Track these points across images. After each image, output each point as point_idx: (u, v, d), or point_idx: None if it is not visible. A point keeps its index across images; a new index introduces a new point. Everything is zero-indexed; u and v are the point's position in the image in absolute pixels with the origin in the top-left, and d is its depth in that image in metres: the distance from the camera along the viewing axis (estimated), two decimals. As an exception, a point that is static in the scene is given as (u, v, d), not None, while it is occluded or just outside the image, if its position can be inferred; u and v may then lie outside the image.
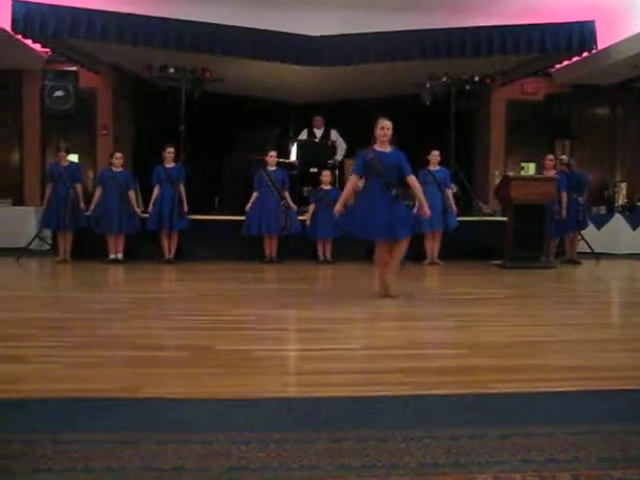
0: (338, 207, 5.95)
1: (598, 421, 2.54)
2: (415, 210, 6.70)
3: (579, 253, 9.98)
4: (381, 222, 5.77)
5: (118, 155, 9.23)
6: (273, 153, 9.52)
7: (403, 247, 5.96)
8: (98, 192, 9.12)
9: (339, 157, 11.38)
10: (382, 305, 5.63)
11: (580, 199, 9.80)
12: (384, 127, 5.86)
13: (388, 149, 5.93)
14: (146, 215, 9.13)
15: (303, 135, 11.74)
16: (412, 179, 5.98)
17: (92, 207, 9.01)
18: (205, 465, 2.08)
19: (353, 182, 6.07)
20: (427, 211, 6.02)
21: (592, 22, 9.84)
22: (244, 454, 2.17)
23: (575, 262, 9.66)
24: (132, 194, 9.15)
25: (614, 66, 10.67)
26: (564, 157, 10.12)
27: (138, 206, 9.27)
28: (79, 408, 2.65)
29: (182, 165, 9.64)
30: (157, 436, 2.32)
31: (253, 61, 10.08)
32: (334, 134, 11.63)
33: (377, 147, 5.92)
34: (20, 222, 10.49)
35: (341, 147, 11.56)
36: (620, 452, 2.22)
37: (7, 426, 2.45)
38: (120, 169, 9.18)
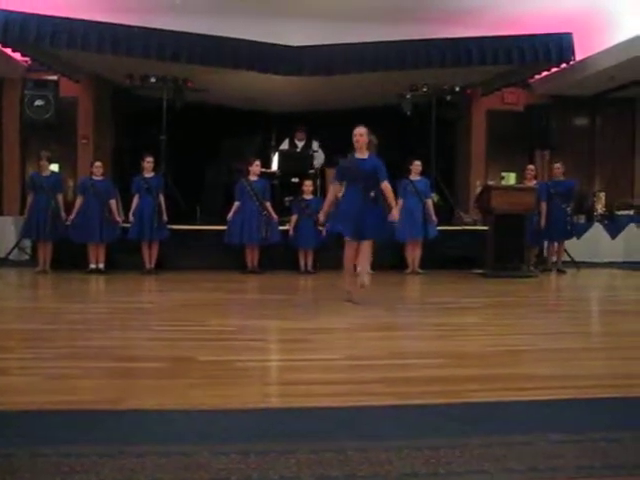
0: (321, 215, 6.24)
1: (577, 429, 2.55)
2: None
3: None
4: (355, 222, 5.95)
5: (98, 164, 9.18)
6: (258, 162, 9.52)
7: (368, 249, 6.12)
8: (79, 201, 9.05)
9: (316, 164, 11.41)
10: (363, 315, 5.64)
11: (568, 209, 9.84)
12: (356, 134, 6.11)
13: (365, 155, 6.13)
14: (127, 225, 9.09)
15: (284, 145, 11.77)
16: (385, 185, 6.15)
17: (72, 216, 8.94)
18: (185, 477, 2.07)
19: (334, 190, 6.29)
20: (395, 215, 6.21)
21: (570, 34, 9.99)
22: (224, 465, 2.16)
23: (560, 271, 9.72)
24: (113, 203, 9.09)
25: (591, 77, 10.80)
26: (558, 165, 10.13)
27: (119, 215, 9.22)
28: (58, 421, 2.62)
29: (161, 175, 9.62)
30: (137, 448, 2.30)
31: (234, 71, 10.10)
32: (316, 145, 11.67)
33: (356, 154, 6.15)
34: (-1, 232, 10.39)
35: (319, 156, 11.61)
36: (599, 460, 2.24)
37: (-16, 439, 2.42)
38: (100, 178, 9.12)
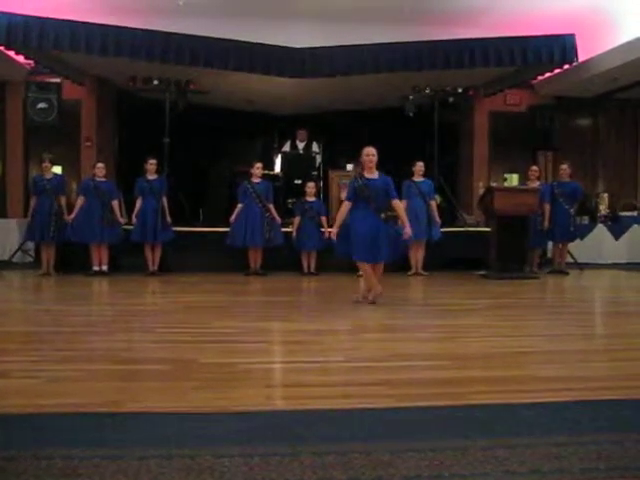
0: (334, 232, 6.29)
1: (581, 431, 2.55)
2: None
3: (562, 263, 10.04)
4: (368, 246, 6.04)
5: (100, 165, 9.18)
6: (259, 164, 9.52)
7: (382, 266, 6.28)
8: (79, 201, 9.04)
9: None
10: (366, 317, 5.64)
11: (572, 210, 9.80)
12: (369, 154, 6.16)
13: (375, 175, 6.20)
14: (130, 226, 9.09)
15: (286, 147, 11.80)
16: (397, 203, 6.28)
17: (72, 215, 8.93)
18: (188, 480, 2.07)
19: (345, 207, 6.30)
20: (409, 232, 6.21)
21: (572, 35, 9.97)
22: (227, 468, 2.16)
23: (563, 272, 9.68)
24: (116, 204, 9.10)
25: (595, 78, 10.79)
26: (565, 166, 10.07)
27: (122, 216, 9.22)
28: (61, 423, 2.62)
29: (164, 177, 9.63)
30: (140, 451, 2.30)
31: (237, 73, 10.11)
32: (315, 147, 11.69)
33: (365, 174, 6.19)
34: (3, 234, 10.39)
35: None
36: (603, 462, 2.23)
37: (-13, 442, 2.42)
38: (103, 179, 9.12)
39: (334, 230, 6.30)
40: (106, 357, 3.90)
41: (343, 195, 9.39)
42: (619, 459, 2.26)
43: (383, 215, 6.09)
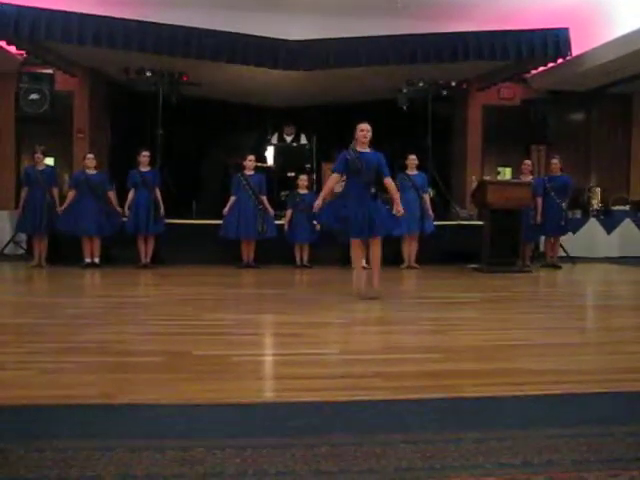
0: (318, 202, 6.21)
1: (572, 424, 2.56)
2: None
3: (554, 257, 10.07)
4: (360, 219, 5.96)
5: (90, 156, 9.12)
6: (252, 157, 9.50)
7: (379, 246, 6.15)
8: (71, 194, 8.99)
9: None
10: (360, 309, 5.64)
11: (563, 204, 9.79)
12: (363, 129, 6.12)
13: (368, 150, 6.15)
14: (124, 218, 9.07)
15: (274, 139, 11.79)
16: (389, 181, 6.19)
17: (63, 208, 8.88)
18: (181, 472, 2.07)
19: (333, 179, 6.28)
20: (400, 209, 6.14)
21: (566, 29, 9.98)
22: (220, 460, 2.16)
23: (556, 266, 9.71)
24: (112, 194, 9.06)
25: (588, 72, 10.79)
26: (555, 160, 10.06)
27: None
28: (53, 415, 2.62)
29: (157, 169, 9.59)
30: (132, 443, 2.30)
31: (230, 65, 10.08)
32: (304, 139, 11.70)
33: (358, 148, 6.14)
34: (-6, 226, 10.35)
35: None
36: (593, 455, 2.24)
37: (-21, 434, 2.41)
38: (94, 171, 9.06)
39: (318, 202, 6.21)
40: (99, 349, 3.89)
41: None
42: (609, 451, 2.28)
43: (373, 190, 6.06)
